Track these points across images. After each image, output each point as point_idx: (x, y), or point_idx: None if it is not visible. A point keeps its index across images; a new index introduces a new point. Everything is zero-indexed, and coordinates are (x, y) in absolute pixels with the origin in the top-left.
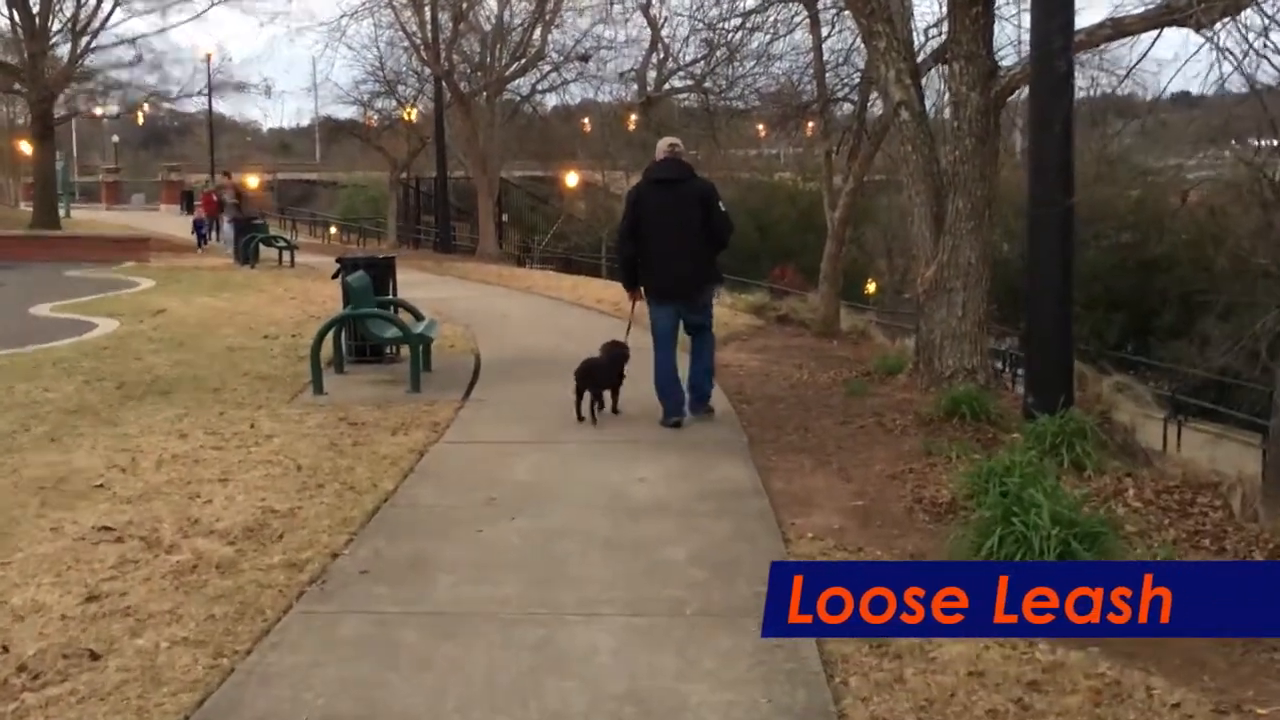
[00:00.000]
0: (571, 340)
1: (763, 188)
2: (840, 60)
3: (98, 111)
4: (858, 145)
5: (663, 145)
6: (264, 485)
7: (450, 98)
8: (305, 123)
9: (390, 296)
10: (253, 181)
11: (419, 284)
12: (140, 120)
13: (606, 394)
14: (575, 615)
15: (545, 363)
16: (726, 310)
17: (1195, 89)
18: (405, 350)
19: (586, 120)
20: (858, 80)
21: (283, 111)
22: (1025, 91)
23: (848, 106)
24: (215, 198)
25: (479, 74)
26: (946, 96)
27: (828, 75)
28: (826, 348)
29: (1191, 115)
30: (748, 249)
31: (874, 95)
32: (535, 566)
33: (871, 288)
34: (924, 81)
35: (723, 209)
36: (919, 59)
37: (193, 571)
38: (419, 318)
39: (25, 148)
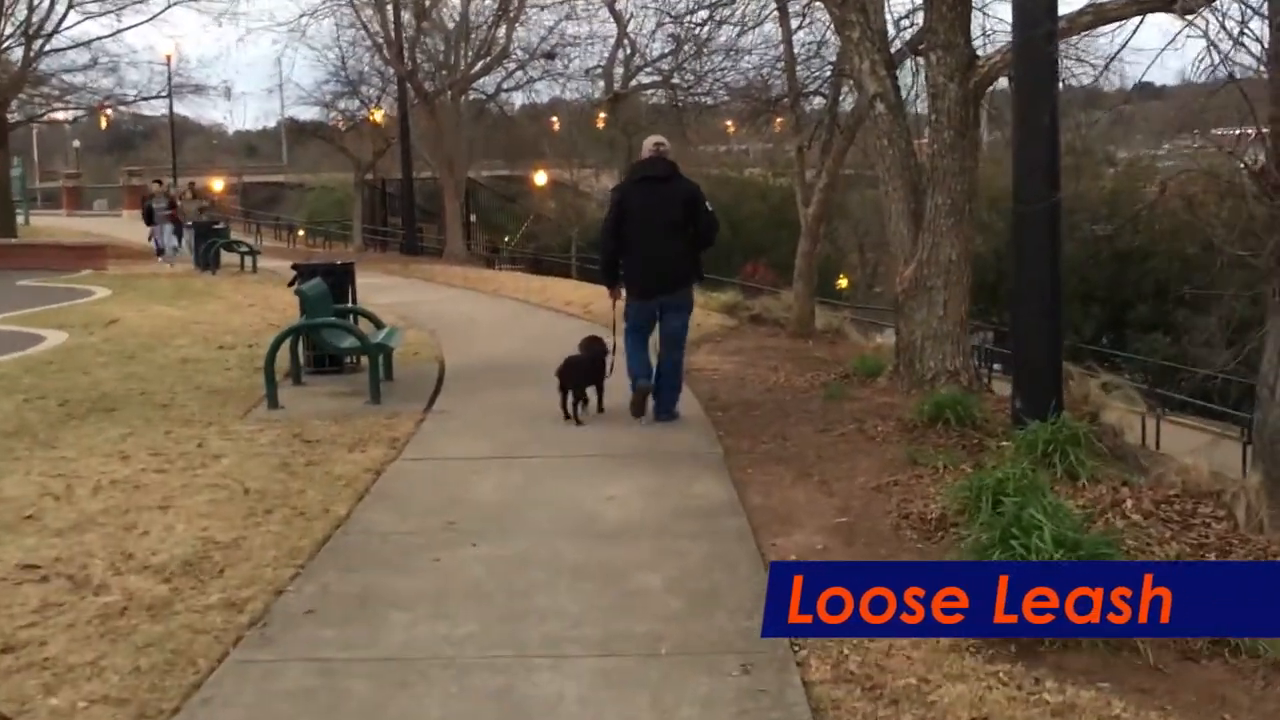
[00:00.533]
0: (539, 345)
1: (733, 184)
2: (811, 53)
3: (55, 117)
4: (830, 140)
5: (649, 144)
6: (208, 512)
7: (415, 98)
8: (271, 125)
9: (350, 304)
10: (217, 185)
11: (384, 288)
12: (104, 125)
13: (591, 392)
14: (540, 657)
15: (512, 370)
16: (699, 310)
17: (1160, 79)
18: (366, 360)
19: (555, 119)
20: (829, 73)
21: (245, 114)
22: (1000, 83)
23: (819, 101)
24: (177, 201)
25: (443, 73)
26: (917, 88)
27: (798, 69)
28: (802, 348)
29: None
30: (719, 246)
31: (846, 88)
32: (497, 600)
33: (844, 283)
34: (898, 73)
35: (710, 208)
36: (893, 49)
37: (121, 615)
38: (379, 326)
39: None
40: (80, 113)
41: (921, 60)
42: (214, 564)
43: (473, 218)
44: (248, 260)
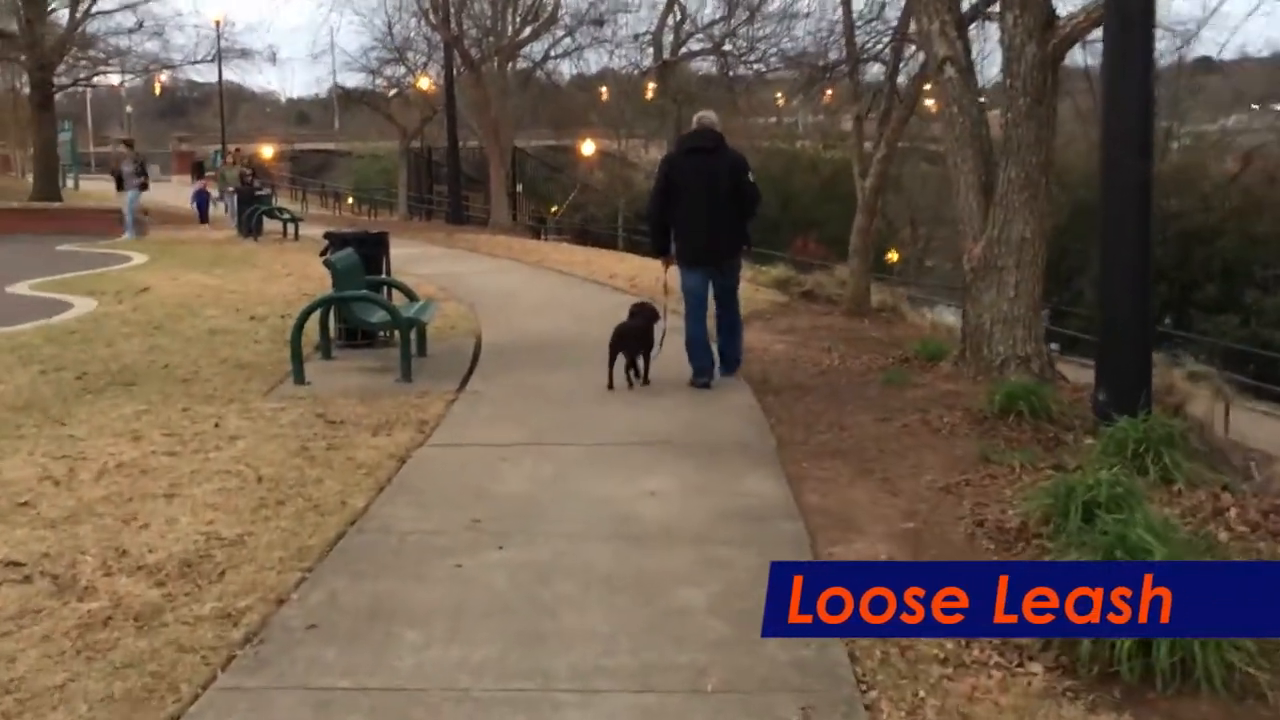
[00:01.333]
0: (581, 321)
1: (784, 156)
2: (872, 15)
3: (103, 80)
4: (889, 109)
5: (697, 118)
6: (215, 502)
7: (461, 64)
8: (323, 93)
9: (383, 276)
10: (267, 152)
11: (426, 258)
12: (157, 91)
13: (639, 361)
14: (567, 691)
15: (551, 348)
16: (749, 286)
17: (1224, 54)
18: (399, 335)
19: (604, 89)
20: (890, 38)
21: (294, 81)
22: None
23: (878, 68)
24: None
25: (490, 39)
26: (982, 54)
27: (857, 34)
28: (857, 328)
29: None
30: (768, 219)
31: (907, 55)
32: (521, 616)
33: (894, 257)
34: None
35: (751, 179)
36: (962, 9)
37: (105, 626)
38: (413, 299)
39: None
40: (129, 77)
41: (989, 24)
42: (214, 565)
43: (519, 187)
44: (289, 227)
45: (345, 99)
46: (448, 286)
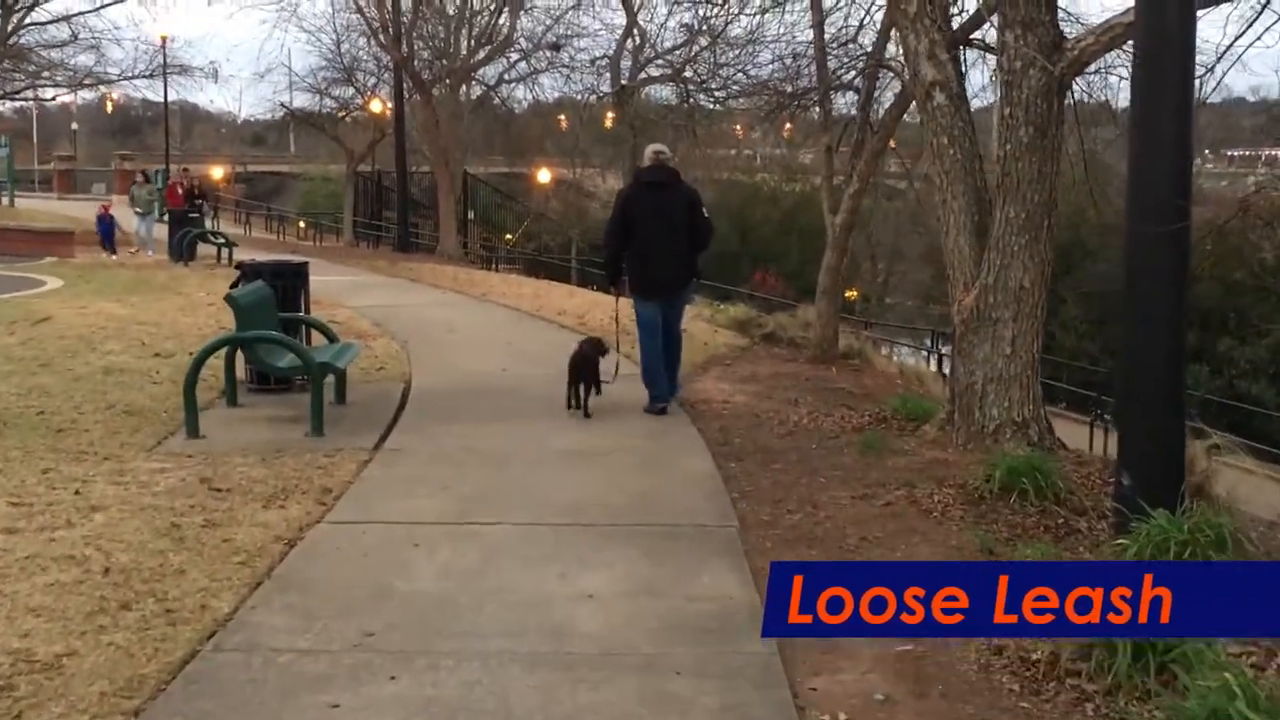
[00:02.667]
0: (524, 362)
1: (743, 188)
2: (847, 38)
3: (41, 95)
4: (862, 140)
5: (650, 151)
6: (41, 604)
7: (411, 86)
8: (279, 114)
9: (300, 313)
10: (217, 173)
11: (363, 288)
12: (109, 109)
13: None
14: None
15: (488, 394)
16: (704, 326)
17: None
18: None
19: (563, 117)
20: (863, 64)
21: (243, 101)
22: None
23: (849, 97)
24: (179, 188)
25: (441, 61)
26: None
27: (828, 59)
28: (825, 376)
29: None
30: (727, 252)
31: (883, 82)
32: None
33: (853, 294)
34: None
35: (706, 214)
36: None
37: None
38: (332, 339)
39: None
40: (63, 92)
41: (975, 48)
42: (9, 704)
43: (471, 215)
44: (224, 252)
45: (292, 119)
46: (382, 320)
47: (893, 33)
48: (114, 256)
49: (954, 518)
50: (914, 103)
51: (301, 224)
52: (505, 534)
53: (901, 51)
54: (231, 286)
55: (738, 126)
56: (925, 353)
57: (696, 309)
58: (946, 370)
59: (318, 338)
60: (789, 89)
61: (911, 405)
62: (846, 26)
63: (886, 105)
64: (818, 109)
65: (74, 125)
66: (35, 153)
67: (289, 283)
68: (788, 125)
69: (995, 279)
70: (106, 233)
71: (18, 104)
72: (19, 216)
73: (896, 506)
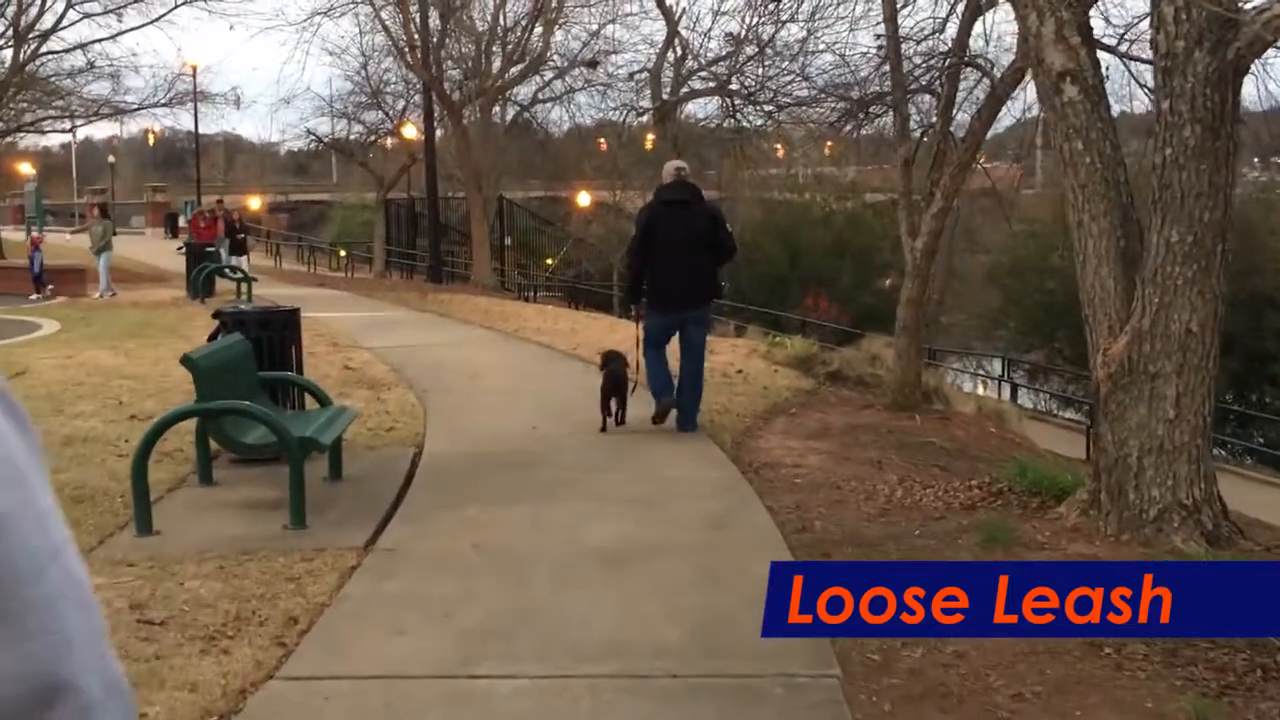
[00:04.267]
0: (555, 417)
1: (791, 208)
2: (934, 29)
3: (52, 127)
4: (943, 151)
5: (670, 169)
6: None
7: (440, 108)
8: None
9: (289, 371)
10: (254, 204)
11: (386, 325)
12: (151, 141)
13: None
14: None
15: (511, 462)
16: (762, 365)
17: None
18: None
19: (602, 141)
20: (944, 61)
21: (270, 129)
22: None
23: (923, 104)
24: (208, 220)
25: (472, 81)
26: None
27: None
28: (909, 428)
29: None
30: (775, 275)
31: (968, 83)
32: None
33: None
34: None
35: (729, 230)
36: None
37: None
38: (325, 403)
39: (23, 168)
40: (80, 122)
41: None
42: None
43: (509, 241)
44: (243, 288)
45: (319, 146)
46: (402, 365)
47: (977, 26)
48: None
49: (1135, 657)
50: (1005, 105)
51: (342, 253)
52: (521, 698)
53: (1016, 38)
54: (210, 338)
55: (778, 146)
56: (981, 377)
57: (752, 344)
58: (1019, 400)
59: (309, 401)
60: (855, 95)
61: (1033, 475)
62: (922, 23)
63: (979, 106)
64: (891, 115)
65: (111, 159)
66: (75, 187)
67: (276, 334)
68: (828, 143)
69: (1152, 322)
70: (37, 274)
71: (62, 138)
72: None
73: (1059, 644)
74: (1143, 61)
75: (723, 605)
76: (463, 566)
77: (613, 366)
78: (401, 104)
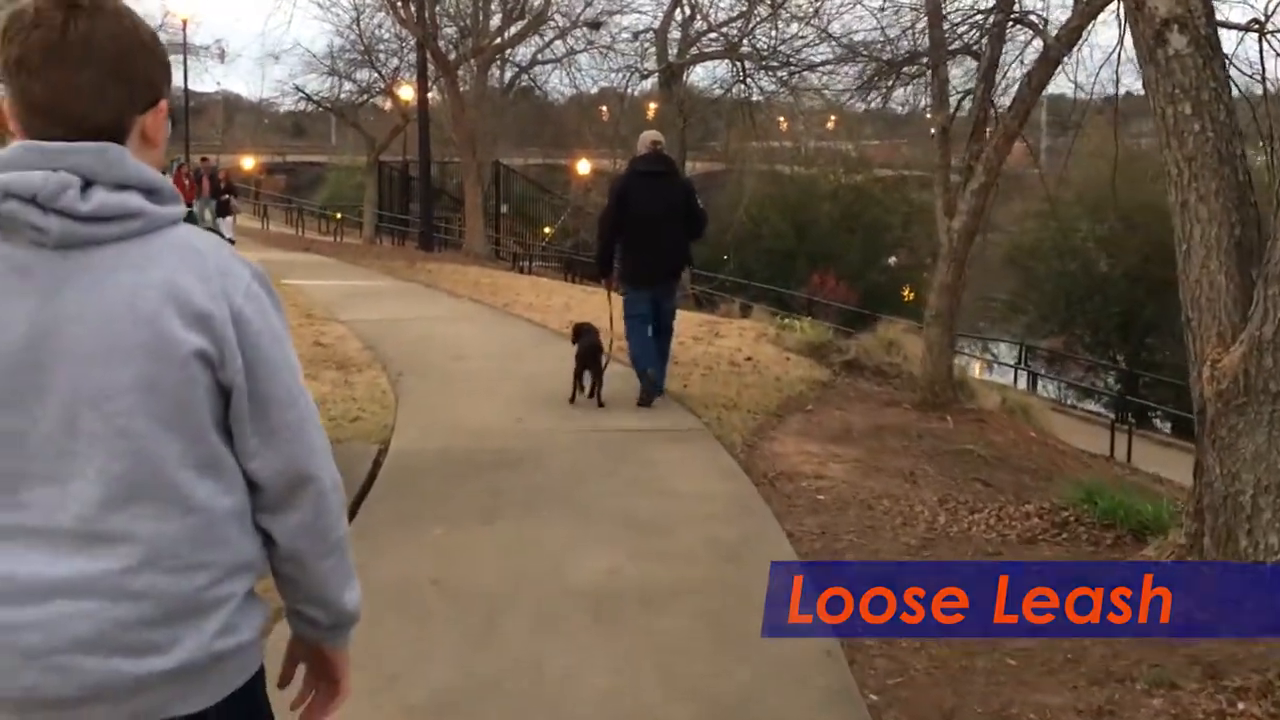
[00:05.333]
0: (544, 408)
1: (799, 181)
2: None
3: None
4: (984, 119)
5: (646, 139)
6: None
7: (434, 67)
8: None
9: None
10: (248, 164)
11: (367, 296)
12: None
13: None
14: None
15: (490, 463)
16: (772, 352)
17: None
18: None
19: (605, 108)
20: (991, 17)
21: (261, 86)
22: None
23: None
24: (192, 179)
25: (469, 39)
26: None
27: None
28: (941, 431)
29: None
30: (781, 250)
31: (1017, 40)
32: None
33: (909, 296)
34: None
35: (700, 203)
36: None
37: None
38: None
39: None
40: None
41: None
42: None
43: (504, 209)
44: None
45: (309, 106)
46: (378, 341)
47: None
48: None
49: None
50: (1062, 68)
51: (338, 216)
52: None
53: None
54: None
55: (781, 120)
56: (990, 362)
57: (760, 327)
58: (1039, 389)
59: None
60: (886, 56)
61: (1106, 502)
62: None
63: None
64: (920, 81)
65: None
66: None
67: None
68: (833, 117)
69: (1276, 330)
70: None
71: None
72: None
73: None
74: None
75: (739, 681)
76: (418, 610)
77: (587, 338)
78: (395, 62)
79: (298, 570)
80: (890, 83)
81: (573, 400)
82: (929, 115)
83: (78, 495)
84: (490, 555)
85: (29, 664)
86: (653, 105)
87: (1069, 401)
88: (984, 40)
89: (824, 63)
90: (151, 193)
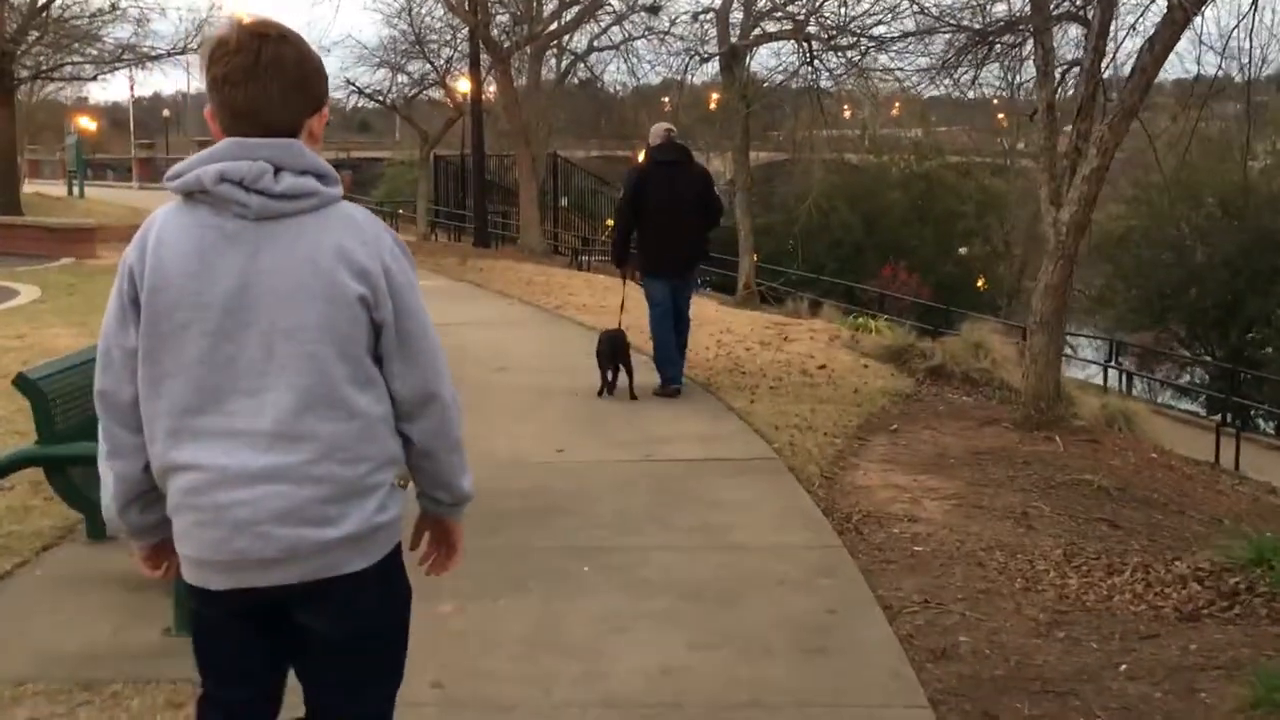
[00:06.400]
0: (590, 434)
1: (868, 170)
2: None
3: (75, 73)
4: (1093, 93)
5: (659, 129)
6: None
7: (487, 56)
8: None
9: None
10: None
11: None
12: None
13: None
14: None
15: (521, 512)
16: (847, 358)
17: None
18: None
19: (666, 100)
20: None
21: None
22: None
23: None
24: None
25: (522, 26)
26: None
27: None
28: (1050, 455)
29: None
30: (849, 242)
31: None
32: None
33: (983, 284)
34: None
35: (716, 192)
36: None
37: None
38: None
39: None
40: (104, 70)
41: None
42: None
43: (564, 202)
44: None
45: (359, 99)
46: None
47: None
48: None
49: None
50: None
51: (401, 211)
52: None
53: None
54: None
55: (846, 108)
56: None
57: (832, 328)
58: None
59: None
60: (979, 24)
61: None
62: None
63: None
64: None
65: (165, 112)
66: (132, 142)
67: None
68: (895, 105)
69: None
70: None
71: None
72: (73, 210)
73: None
74: None
75: None
76: None
77: (612, 332)
78: (448, 53)
79: (429, 463)
80: (983, 55)
81: (600, 393)
82: (1022, 95)
83: (274, 404)
84: (511, 645)
85: (238, 533)
86: (714, 95)
87: (1161, 401)
88: (1093, 3)
89: (901, 36)
90: (322, 177)
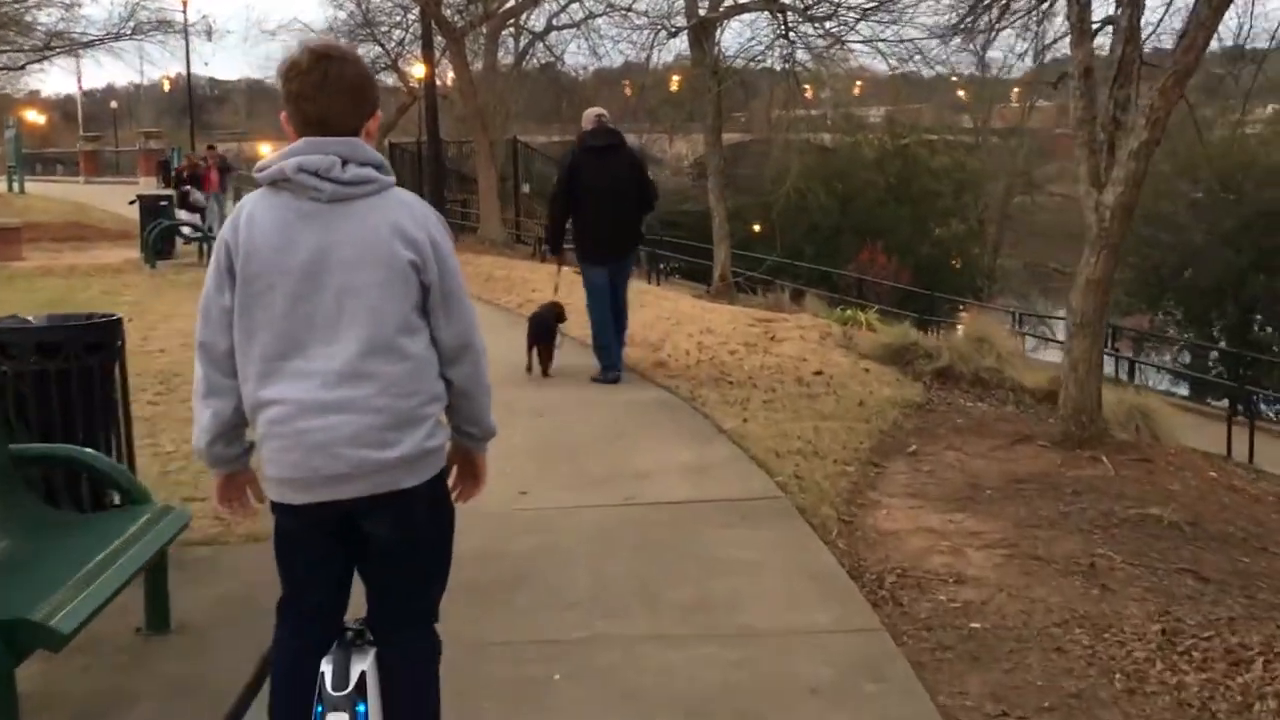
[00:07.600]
0: (559, 468)
1: (841, 151)
2: None
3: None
4: (1131, 57)
5: (590, 115)
6: None
7: (441, 37)
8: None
9: (65, 446)
10: (265, 150)
11: None
12: (166, 88)
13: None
14: None
15: (472, 588)
16: (844, 361)
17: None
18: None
19: (627, 84)
20: None
21: (267, 65)
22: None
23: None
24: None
25: (477, 4)
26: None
27: None
28: (1100, 481)
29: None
30: (825, 225)
31: None
32: None
33: (956, 264)
34: None
35: (650, 176)
36: None
37: None
38: (133, 499)
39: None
40: (32, 59)
41: None
42: None
43: (526, 188)
44: (205, 248)
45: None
46: None
47: None
48: None
49: None
50: None
51: None
52: None
53: None
54: None
55: (806, 88)
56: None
57: (821, 323)
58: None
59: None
60: None
61: None
62: None
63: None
64: (1039, 14)
65: (113, 104)
66: (80, 135)
67: (74, 367)
68: (857, 83)
69: None
70: None
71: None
72: (10, 207)
73: None
74: None
75: None
76: None
77: (542, 313)
78: (399, 34)
79: (465, 402)
80: (995, 19)
81: (528, 370)
82: (1044, 59)
83: (343, 350)
84: None
85: (314, 453)
86: (680, 75)
87: (1161, 389)
88: None
89: (882, 3)
90: (379, 167)
